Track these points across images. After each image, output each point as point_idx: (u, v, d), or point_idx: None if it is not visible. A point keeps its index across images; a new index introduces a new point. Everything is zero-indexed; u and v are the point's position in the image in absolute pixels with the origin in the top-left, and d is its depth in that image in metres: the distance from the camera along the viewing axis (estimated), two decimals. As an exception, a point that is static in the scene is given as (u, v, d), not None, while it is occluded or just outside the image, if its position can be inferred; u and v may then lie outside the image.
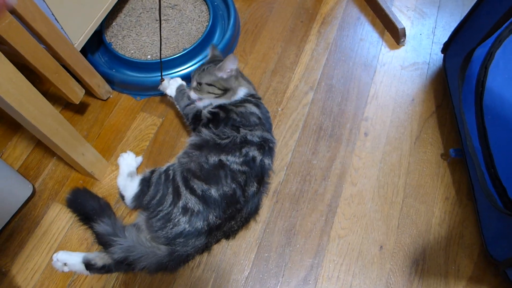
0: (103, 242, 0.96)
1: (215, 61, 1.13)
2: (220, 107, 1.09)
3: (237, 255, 1.05)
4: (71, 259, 0.99)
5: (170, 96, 1.17)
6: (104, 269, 0.98)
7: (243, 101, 1.11)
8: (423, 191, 1.14)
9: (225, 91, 1.11)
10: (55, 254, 1.00)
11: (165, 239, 0.94)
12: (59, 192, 1.14)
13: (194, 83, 1.12)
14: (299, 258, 1.05)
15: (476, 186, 1.10)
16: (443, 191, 1.15)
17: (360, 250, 1.06)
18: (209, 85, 1.10)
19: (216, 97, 1.11)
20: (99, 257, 0.98)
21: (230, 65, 1.08)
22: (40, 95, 0.84)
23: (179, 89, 1.15)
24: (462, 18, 1.21)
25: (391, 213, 1.11)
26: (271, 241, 1.07)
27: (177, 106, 1.15)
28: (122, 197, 1.06)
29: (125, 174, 1.09)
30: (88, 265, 0.98)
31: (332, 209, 1.12)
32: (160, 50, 1.15)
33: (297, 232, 1.08)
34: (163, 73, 1.21)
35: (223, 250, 1.05)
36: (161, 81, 1.18)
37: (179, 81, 1.18)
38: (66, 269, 0.99)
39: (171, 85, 1.16)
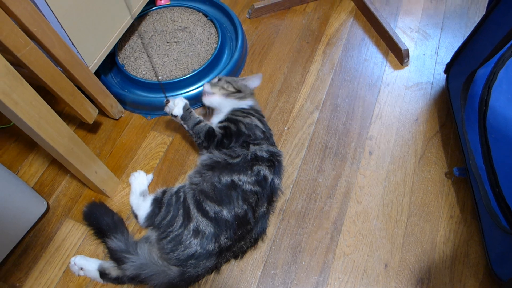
0: (116, 258, 0.99)
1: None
2: (229, 120, 1.14)
3: (244, 272, 1.07)
4: (88, 265, 1.04)
5: (176, 116, 1.14)
6: (117, 280, 1.01)
7: (248, 113, 1.15)
8: (427, 209, 1.16)
9: (238, 92, 1.19)
10: (73, 258, 1.05)
11: (176, 260, 0.96)
12: (72, 209, 1.18)
13: (216, 79, 1.22)
14: (304, 275, 1.06)
15: (480, 205, 1.11)
16: (447, 209, 1.16)
17: (365, 268, 1.07)
18: (227, 82, 1.20)
19: (227, 95, 1.19)
20: (113, 268, 1.01)
21: (256, 81, 1.23)
22: (57, 117, 0.88)
23: (185, 108, 1.14)
24: (465, 38, 1.24)
25: (396, 231, 1.12)
26: (277, 258, 1.09)
27: (185, 126, 1.14)
28: (136, 216, 1.10)
29: (137, 193, 1.12)
30: (103, 274, 1.02)
31: (338, 226, 1.13)
32: (156, 73, 1.20)
33: (302, 249, 1.10)
34: (172, 94, 1.25)
35: (230, 267, 1.07)
36: (166, 103, 1.17)
37: (184, 100, 1.16)
38: (81, 273, 1.05)
39: (178, 104, 1.14)
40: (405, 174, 1.22)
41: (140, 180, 1.17)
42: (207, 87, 1.21)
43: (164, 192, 1.08)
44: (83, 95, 1.12)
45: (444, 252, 1.09)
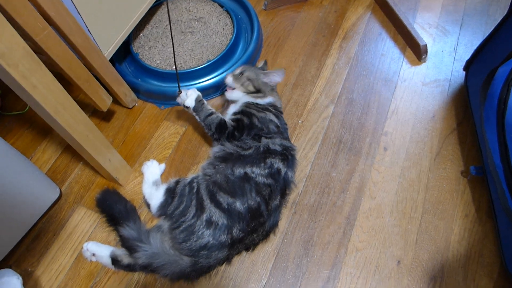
0: (128, 246, 0.99)
1: (262, 68, 1.27)
2: (242, 112, 1.12)
3: (255, 264, 1.06)
4: (100, 251, 1.04)
5: (188, 107, 1.14)
6: (129, 268, 1.01)
7: (265, 108, 1.14)
8: (442, 207, 1.14)
9: (257, 92, 1.18)
10: (85, 243, 1.05)
11: (188, 251, 0.96)
12: (84, 196, 1.18)
13: (238, 71, 1.19)
14: (316, 269, 1.05)
15: (496, 204, 1.09)
16: (462, 208, 1.14)
17: (377, 264, 1.06)
18: (249, 79, 1.17)
19: (246, 94, 1.18)
20: (126, 255, 1.01)
21: (276, 77, 1.19)
22: (74, 103, 0.88)
23: (198, 100, 1.14)
24: (484, 36, 1.21)
25: (410, 228, 1.11)
26: (288, 251, 1.08)
27: (197, 117, 1.14)
28: (148, 205, 1.10)
29: (150, 182, 1.12)
30: (115, 261, 1.02)
31: (350, 221, 1.12)
32: (175, 62, 1.17)
33: (314, 243, 1.09)
34: (186, 84, 1.24)
35: (242, 258, 1.07)
36: (179, 93, 1.16)
37: (197, 92, 1.16)
38: (94, 259, 1.05)
39: (190, 96, 1.14)
40: (420, 171, 1.20)
41: (153, 170, 1.17)
42: (230, 81, 1.19)
43: (177, 182, 1.07)
44: (98, 82, 1.12)
45: (458, 251, 1.08)
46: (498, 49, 1.16)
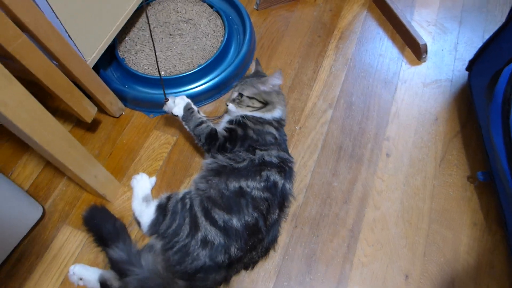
0: (118, 270, 0.92)
1: (257, 76, 1.13)
2: (238, 122, 1.05)
3: (255, 283, 1.00)
4: (88, 275, 0.96)
5: (177, 116, 1.08)
6: None
7: (267, 122, 1.06)
8: (449, 216, 1.09)
9: (265, 104, 1.08)
10: (72, 267, 0.97)
11: (183, 274, 0.88)
12: (69, 214, 1.10)
13: (235, 94, 1.09)
14: (320, 287, 0.99)
15: (507, 212, 1.04)
16: (470, 216, 1.09)
17: (384, 279, 1.00)
18: (251, 98, 1.08)
19: (255, 111, 1.08)
20: (115, 279, 0.93)
21: (276, 80, 1.09)
22: (51, 117, 0.80)
23: (187, 108, 1.07)
24: (484, 33, 1.16)
25: (417, 240, 1.05)
26: (290, 268, 1.02)
27: (186, 127, 1.07)
28: (138, 223, 1.02)
29: (140, 198, 1.04)
30: (104, 285, 0.94)
31: (355, 234, 1.06)
32: (158, 66, 1.09)
33: (317, 259, 1.03)
34: (176, 90, 1.17)
35: (241, 278, 1.00)
36: (165, 101, 1.09)
37: (185, 99, 1.09)
38: (81, 283, 0.97)
39: (178, 104, 1.07)
40: (425, 178, 1.15)
41: (142, 184, 1.09)
42: (232, 109, 1.08)
43: (169, 198, 1.00)
44: (80, 91, 1.04)
45: (468, 263, 1.03)
46: (505, 48, 1.10)
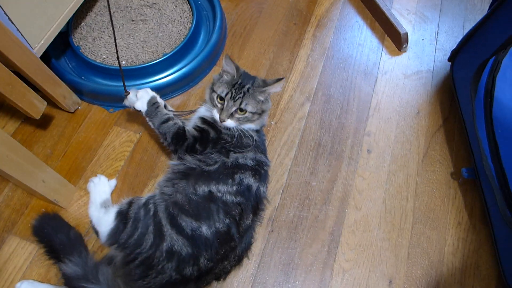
0: (72, 287, 0.81)
1: (251, 81, 0.95)
2: (210, 124, 0.94)
3: (228, 295, 0.91)
4: None
5: (140, 111, 0.96)
6: None
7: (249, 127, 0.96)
8: (433, 215, 1.03)
9: (261, 114, 0.96)
10: (19, 284, 0.86)
11: None
12: (16, 223, 0.97)
13: (233, 109, 0.91)
14: (299, 297, 0.92)
15: (492, 210, 0.99)
16: (454, 215, 1.04)
17: (367, 286, 0.94)
18: (253, 113, 0.93)
19: (249, 122, 0.95)
20: None
21: (278, 89, 0.95)
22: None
23: (151, 102, 0.95)
24: (465, 22, 1.11)
25: (400, 242, 0.99)
26: (266, 277, 0.93)
27: (150, 124, 0.95)
28: (96, 232, 0.90)
29: (98, 204, 0.93)
30: None
31: (335, 238, 0.99)
32: (118, 55, 0.96)
33: (296, 266, 0.95)
34: (138, 82, 1.05)
35: (212, 290, 0.91)
36: (126, 95, 0.97)
37: (150, 93, 0.97)
38: None
39: (141, 98, 0.95)
40: (407, 175, 1.09)
41: (100, 187, 0.97)
42: (230, 124, 0.92)
43: (130, 204, 0.89)
44: (25, 84, 0.90)
45: (453, 264, 0.97)
46: (489, 38, 1.05)
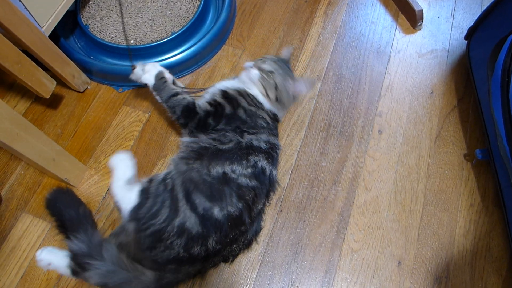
0: (78, 264, 0.82)
1: (290, 71, 0.99)
2: (227, 97, 0.93)
3: (237, 273, 0.92)
4: (57, 261, 0.85)
5: (147, 85, 0.95)
6: None
7: (263, 109, 0.95)
8: (445, 197, 1.02)
9: (275, 101, 0.97)
10: (39, 252, 0.86)
11: (152, 263, 0.79)
12: (29, 201, 0.99)
13: (266, 64, 0.96)
14: (307, 276, 0.92)
15: (506, 192, 0.97)
16: (467, 197, 1.02)
17: (376, 266, 0.93)
18: (275, 88, 0.95)
19: (263, 96, 0.96)
20: None
21: (304, 88, 0.98)
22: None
23: (159, 77, 0.94)
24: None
25: (410, 223, 0.98)
26: (275, 256, 0.94)
27: (157, 97, 0.95)
28: (119, 209, 0.90)
29: (122, 181, 0.90)
30: (75, 271, 0.83)
31: (344, 218, 0.98)
32: (126, 35, 0.94)
33: (304, 246, 0.95)
34: (146, 61, 1.03)
35: (220, 268, 0.92)
36: (133, 68, 0.97)
37: (158, 67, 0.96)
38: (51, 268, 0.85)
39: (148, 71, 0.95)
40: (419, 156, 1.07)
41: (126, 163, 0.93)
42: (251, 75, 0.96)
43: (151, 181, 0.88)
44: (34, 63, 0.90)
45: (464, 246, 0.96)
46: (508, 15, 1.00)
